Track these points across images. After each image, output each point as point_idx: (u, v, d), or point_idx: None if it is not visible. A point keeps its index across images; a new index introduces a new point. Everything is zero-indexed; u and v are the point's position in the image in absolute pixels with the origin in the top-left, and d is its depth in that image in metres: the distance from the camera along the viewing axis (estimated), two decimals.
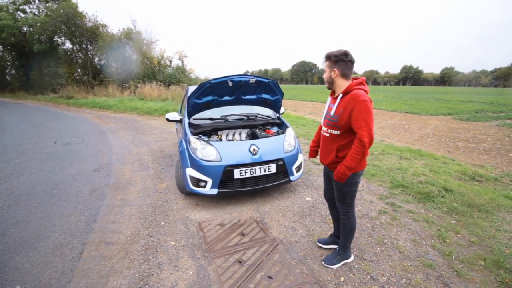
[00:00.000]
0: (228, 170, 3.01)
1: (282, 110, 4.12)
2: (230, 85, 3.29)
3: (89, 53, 22.47)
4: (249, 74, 3.36)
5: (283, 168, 3.30)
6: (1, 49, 25.48)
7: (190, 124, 3.63)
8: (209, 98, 3.45)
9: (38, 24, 20.23)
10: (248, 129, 3.68)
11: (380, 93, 34.17)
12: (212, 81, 3.21)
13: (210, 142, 3.20)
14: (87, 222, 2.95)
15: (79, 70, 22.55)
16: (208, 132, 3.55)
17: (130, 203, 3.39)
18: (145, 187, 3.91)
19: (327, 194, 2.40)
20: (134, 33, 19.50)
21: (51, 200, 3.51)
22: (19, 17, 21.90)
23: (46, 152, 5.90)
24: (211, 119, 3.71)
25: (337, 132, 1.94)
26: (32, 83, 22.94)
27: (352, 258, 2.31)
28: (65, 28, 20.72)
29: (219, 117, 3.79)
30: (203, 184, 3.05)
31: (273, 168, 3.20)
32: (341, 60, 1.87)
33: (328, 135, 2.02)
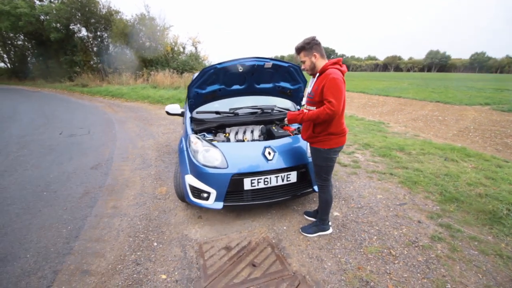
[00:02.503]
0: (237, 180, 2.38)
1: (303, 101, 3.40)
2: (241, 70, 2.60)
3: (104, 40, 22.31)
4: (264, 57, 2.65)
5: (307, 176, 2.62)
6: (22, 38, 25.93)
7: (192, 119, 3.00)
8: (215, 87, 2.79)
9: (54, 11, 20.13)
10: (262, 126, 3.00)
11: (404, 80, 32.00)
12: (217, 66, 2.54)
13: (215, 143, 2.56)
14: (67, 239, 2.45)
15: (94, 58, 22.51)
16: (214, 129, 2.91)
17: (122, 213, 2.86)
18: (143, 190, 3.38)
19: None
20: (147, 19, 18.97)
21: (37, 205, 3.06)
22: (35, 5, 21.89)
23: (48, 144, 5.53)
24: (217, 112, 3.05)
25: (313, 108, 2.09)
26: (51, 71, 23.19)
27: (330, 230, 2.49)
28: (80, 15, 20.53)
29: (227, 110, 3.12)
30: (205, 195, 2.44)
31: (293, 177, 2.53)
32: (314, 44, 2.06)
33: (307, 111, 2.11)
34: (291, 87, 3.02)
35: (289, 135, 2.83)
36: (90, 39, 22.58)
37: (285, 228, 2.57)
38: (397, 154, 4.44)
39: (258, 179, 2.41)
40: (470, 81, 30.71)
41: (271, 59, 2.63)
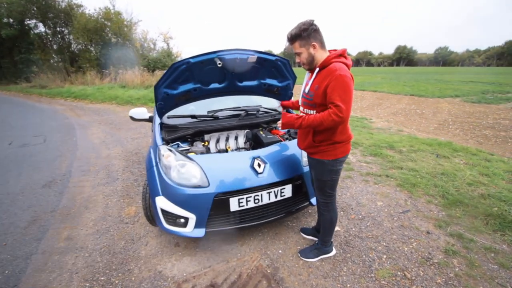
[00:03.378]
0: (221, 200, 1.93)
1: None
2: (219, 65, 2.14)
3: (65, 37, 20.48)
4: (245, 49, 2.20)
5: (303, 188, 2.24)
6: None
7: (162, 126, 2.49)
8: (188, 86, 2.30)
9: (4, 4, 18.04)
10: (247, 131, 2.57)
11: (377, 74, 32.97)
12: (191, 60, 2.05)
13: (191, 155, 2.08)
14: None
15: (54, 56, 20.61)
16: (190, 137, 2.42)
17: (78, 247, 2.30)
18: (106, 213, 2.81)
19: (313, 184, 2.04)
20: (112, 13, 17.63)
21: None
22: None
23: None
24: (193, 116, 2.56)
25: (312, 112, 1.74)
26: (4, 72, 20.96)
27: (333, 251, 2.13)
28: (36, 9, 18.64)
29: (205, 113, 2.64)
30: (182, 221, 1.97)
31: (288, 191, 2.13)
32: (313, 31, 1.62)
33: (303, 113, 1.81)
34: (279, 84, 2.61)
35: (279, 141, 2.42)
36: (49, 36, 20.62)
37: (280, 252, 2.17)
38: (388, 152, 4.21)
39: (247, 198, 1.98)
40: (436, 74, 32.40)
41: (255, 51, 2.19)
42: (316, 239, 2.26)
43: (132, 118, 2.98)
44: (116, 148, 5.04)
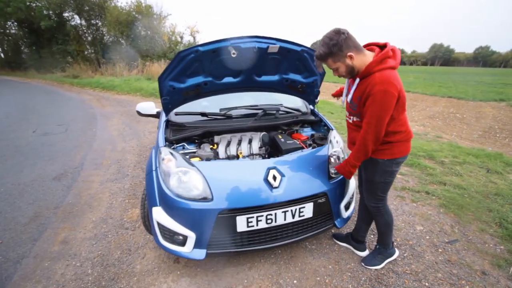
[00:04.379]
0: (226, 218, 1.60)
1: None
2: (234, 56, 1.79)
3: (100, 29, 21.27)
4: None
5: (326, 208, 1.85)
6: (15, 27, 24.83)
7: (168, 124, 2.20)
8: (198, 79, 1.98)
9: None
10: (263, 133, 2.21)
11: (409, 74, 30.87)
12: (200, 48, 1.73)
13: (195, 161, 1.76)
14: None
15: (88, 47, 21.51)
16: (197, 138, 2.11)
17: (71, 253, 2.10)
18: (108, 214, 2.61)
19: (361, 185, 1.92)
20: (144, 6, 17.95)
21: None
22: None
23: (16, 145, 4.76)
24: (203, 114, 2.24)
25: (356, 119, 1.63)
26: (44, 62, 22.19)
27: (397, 253, 2.00)
28: (72, 2, 19.47)
29: (217, 111, 2.32)
30: (180, 239, 1.67)
31: (308, 211, 1.75)
32: (343, 41, 1.38)
33: (350, 121, 1.69)
34: (304, 80, 2.21)
35: (301, 148, 2.04)
36: (84, 28, 21.54)
37: (295, 282, 1.80)
38: (427, 163, 3.65)
39: (257, 217, 1.63)
40: (477, 75, 29.78)
41: (277, 39, 1.82)
42: (349, 246, 2.11)
43: (138, 113, 2.75)
44: (132, 141, 4.91)
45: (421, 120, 7.29)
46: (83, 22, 20.78)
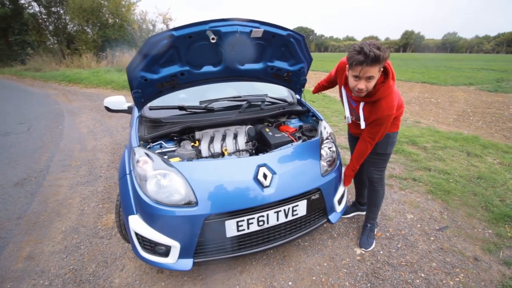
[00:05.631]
0: (213, 224, 1.44)
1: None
2: (213, 41, 1.59)
3: (62, 17, 19.57)
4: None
5: (320, 204, 1.74)
6: None
7: (142, 120, 1.97)
8: (173, 69, 1.75)
9: None
10: (249, 127, 2.04)
11: None
12: (174, 33, 1.50)
13: (174, 162, 1.57)
14: None
15: (51, 38, 19.79)
16: (176, 135, 1.90)
17: (38, 270, 1.85)
18: (79, 222, 2.35)
19: None
20: None
21: None
22: None
23: None
24: (181, 108, 2.02)
25: (363, 124, 1.67)
26: (0, 54, 20.23)
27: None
28: None
29: (196, 104, 2.10)
30: (162, 249, 1.49)
31: (301, 209, 1.64)
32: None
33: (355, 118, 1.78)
34: (290, 68, 2.05)
35: (290, 141, 1.90)
36: (44, 16, 19.72)
37: (291, 284, 1.70)
38: (410, 149, 3.68)
39: (248, 219, 1.49)
40: (446, 61, 31.20)
41: (261, 22, 1.64)
42: (359, 212, 2.32)
43: (107, 108, 2.47)
44: (104, 138, 4.55)
45: None
46: (43, 10, 19.01)
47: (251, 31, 1.63)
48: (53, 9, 19.12)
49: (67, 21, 19.31)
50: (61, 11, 19.35)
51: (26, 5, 19.20)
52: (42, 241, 2.14)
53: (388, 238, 2.06)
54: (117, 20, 16.89)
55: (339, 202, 1.92)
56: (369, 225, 2.02)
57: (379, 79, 1.48)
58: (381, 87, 1.49)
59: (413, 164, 3.22)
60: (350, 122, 1.79)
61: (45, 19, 19.52)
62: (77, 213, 2.49)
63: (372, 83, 1.43)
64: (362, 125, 1.64)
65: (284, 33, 1.76)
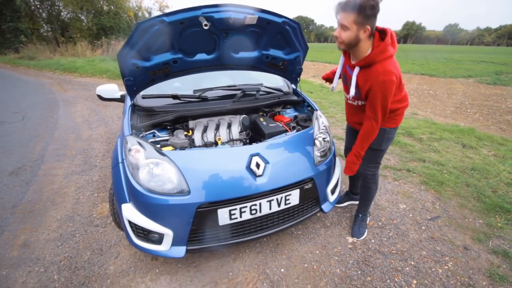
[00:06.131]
0: (206, 212, 1.45)
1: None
2: (206, 27, 1.55)
3: (56, 4, 19.08)
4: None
5: (313, 193, 1.75)
6: None
7: (134, 108, 1.95)
8: (166, 56, 1.72)
9: None
10: (243, 116, 2.02)
11: None
12: (165, 19, 1.47)
13: (166, 151, 1.56)
14: None
15: (44, 25, 19.35)
16: (169, 124, 1.89)
17: (34, 257, 1.86)
18: (74, 211, 2.36)
19: (349, 151, 1.84)
20: None
21: None
22: None
23: None
24: (175, 97, 2.00)
25: (361, 103, 1.65)
26: None
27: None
28: None
29: (190, 93, 2.08)
30: (155, 237, 1.50)
31: (294, 198, 1.65)
32: (376, 13, 1.34)
33: (354, 103, 1.70)
34: (285, 56, 2.02)
35: (285, 131, 1.90)
36: (37, 3, 19.21)
37: (283, 271, 1.73)
38: (406, 140, 3.69)
39: (241, 208, 1.50)
40: (446, 53, 31.02)
41: (256, 9, 1.60)
42: (351, 202, 2.33)
43: (100, 97, 2.44)
44: (100, 128, 4.52)
45: None
46: None
47: (245, 17, 1.60)
48: None
49: (60, 8, 18.85)
50: None
51: None
52: (37, 229, 2.15)
53: (380, 227, 2.09)
54: (112, 7, 16.52)
55: (332, 191, 1.93)
56: (360, 215, 2.05)
57: (374, 43, 1.42)
58: (376, 51, 1.40)
59: (408, 155, 3.24)
60: (334, 90, 1.81)
61: (38, 6, 19.03)
62: (72, 202, 2.49)
63: (346, 35, 1.38)
64: (352, 91, 1.56)
65: (279, 20, 1.72)
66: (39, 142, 3.97)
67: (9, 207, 2.45)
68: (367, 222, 2.08)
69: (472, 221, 2.15)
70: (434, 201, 2.40)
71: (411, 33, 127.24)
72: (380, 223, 2.13)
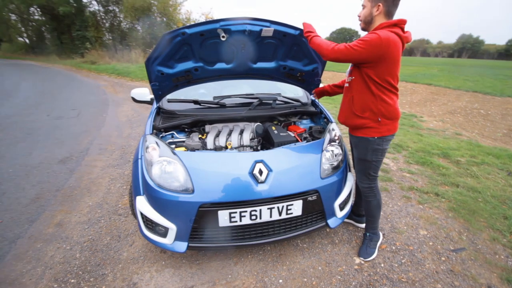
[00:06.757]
0: (207, 212, 1.53)
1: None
2: (223, 39, 1.67)
3: (117, 15, 21.54)
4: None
5: (317, 206, 1.73)
6: (38, 12, 25.64)
7: (159, 111, 2.14)
8: (188, 65, 1.88)
9: None
10: (257, 124, 2.09)
11: (433, 66, 29.17)
12: (187, 30, 1.62)
13: (178, 151, 1.69)
14: None
15: (106, 34, 21.87)
16: (187, 126, 2.03)
17: (63, 236, 2.12)
18: (104, 200, 2.63)
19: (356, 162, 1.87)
20: None
21: None
22: None
23: (30, 128, 4.92)
24: (195, 102, 2.15)
25: (352, 78, 1.67)
26: (64, 47, 22.88)
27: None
28: None
29: (210, 99, 2.21)
30: (161, 230, 1.62)
31: (296, 208, 1.65)
32: None
33: (349, 80, 1.71)
34: (303, 68, 2.06)
35: (295, 141, 1.92)
36: (102, 14, 21.85)
37: (281, 281, 1.72)
38: (440, 162, 3.41)
39: (241, 212, 1.55)
40: (507, 69, 27.68)
41: (272, 21, 1.68)
42: (350, 221, 2.23)
43: (133, 99, 2.71)
44: (139, 128, 4.95)
45: (441, 116, 6.85)
46: (101, 8, 21.07)
47: (261, 30, 1.68)
48: (109, 7, 21.09)
49: (121, 19, 21.18)
50: (117, 10, 21.26)
51: (88, 3, 21.43)
52: (72, 212, 2.44)
53: (393, 251, 1.96)
54: (165, 19, 18.05)
55: (342, 207, 1.88)
56: (368, 234, 1.95)
57: (382, 24, 1.50)
58: (375, 28, 1.52)
59: (440, 178, 2.99)
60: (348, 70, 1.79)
61: (103, 17, 21.62)
62: (104, 191, 2.77)
63: (363, 12, 1.57)
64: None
65: (295, 32, 1.78)
66: (87, 136, 4.48)
67: (53, 190, 2.81)
68: (378, 243, 1.96)
69: (504, 258, 1.91)
70: (462, 231, 2.18)
71: (467, 47, 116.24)
72: (393, 247, 2.00)
